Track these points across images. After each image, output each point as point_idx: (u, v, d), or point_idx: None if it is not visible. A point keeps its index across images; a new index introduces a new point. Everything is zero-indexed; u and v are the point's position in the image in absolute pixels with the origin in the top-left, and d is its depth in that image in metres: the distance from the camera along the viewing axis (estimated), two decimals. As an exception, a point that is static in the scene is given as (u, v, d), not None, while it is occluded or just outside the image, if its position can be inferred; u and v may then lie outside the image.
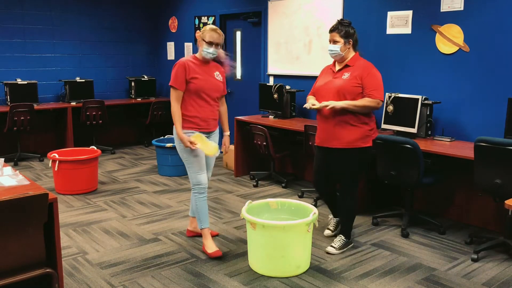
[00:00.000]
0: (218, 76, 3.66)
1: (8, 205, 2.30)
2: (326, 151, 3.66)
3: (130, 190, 5.43)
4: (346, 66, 3.57)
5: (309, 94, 3.83)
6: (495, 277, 3.34)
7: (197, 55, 3.62)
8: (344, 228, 3.79)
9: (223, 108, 3.81)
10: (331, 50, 3.56)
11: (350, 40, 3.56)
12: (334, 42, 3.54)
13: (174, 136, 3.65)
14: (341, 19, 3.63)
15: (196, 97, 3.55)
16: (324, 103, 3.46)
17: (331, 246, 3.73)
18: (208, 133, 3.65)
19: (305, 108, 3.61)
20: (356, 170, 3.65)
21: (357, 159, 3.60)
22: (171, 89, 3.55)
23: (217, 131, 3.76)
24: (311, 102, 3.57)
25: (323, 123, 3.61)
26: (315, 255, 3.67)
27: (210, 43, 3.52)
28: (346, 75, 3.53)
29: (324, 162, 3.73)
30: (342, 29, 3.53)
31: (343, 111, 3.47)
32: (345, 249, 3.75)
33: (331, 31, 3.57)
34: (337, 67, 3.63)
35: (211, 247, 3.64)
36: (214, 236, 3.98)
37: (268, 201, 3.72)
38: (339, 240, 3.76)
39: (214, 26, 3.59)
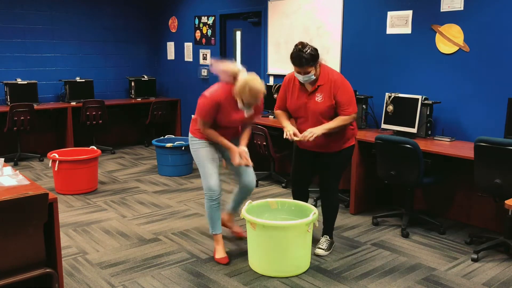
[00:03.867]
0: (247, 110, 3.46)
1: (8, 205, 2.30)
2: (313, 154, 3.65)
3: (130, 190, 5.43)
4: (319, 86, 3.41)
5: (277, 108, 3.67)
6: (495, 277, 3.34)
7: (232, 90, 3.39)
8: (329, 227, 3.80)
9: (246, 129, 3.65)
10: (306, 80, 3.37)
11: (318, 61, 3.37)
12: (306, 73, 3.34)
13: (189, 138, 3.63)
14: (300, 48, 3.32)
15: (215, 124, 3.48)
16: (307, 136, 3.35)
17: (319, 248, 3.72)
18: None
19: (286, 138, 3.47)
20: (342, 168, 3.68)
21: (344, 158, 3.64)
22: (200, 120, 3.44)
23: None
24: (292, 131, 3.42)
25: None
26: (315, 255, 3.67)
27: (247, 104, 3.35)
28: (319, 97, 3.41)
29: (309, 164, 3.72)
30: (309, 58, 3.30)
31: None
32: (331, 249, 3.76)
33: (300, 65, 3.31)
34: (309, 87, 3.46)
35: (219, 252, 3.59)
36: (242, 237, 3.95)
37: (268, 201, 3.72)
38: (325, 241, 3.77)
39: (257, 88, 3.26)
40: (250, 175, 3.67)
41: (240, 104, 3.36)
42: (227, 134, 3.55)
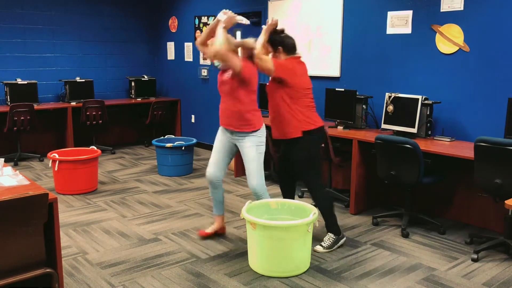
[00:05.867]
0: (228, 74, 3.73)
1: (8, 205, 2.30)
2: (285, 148, 3.90)
3: (130, 190, 5.43)
4: None
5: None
6: (495, 277, 3.34)
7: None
8: (328, 224, 3.79)
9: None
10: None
11: (279, 47, 3.79)
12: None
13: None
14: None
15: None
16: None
17: (320, 244, 3.75)
18: (230, 132, 3.75)
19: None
20: (309, 160, 3.68)
21: (305, 146, 3.66)
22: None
23: (246, 138, 3.67)
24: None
25: (272, 119, 3.85)
26: (315, 255, 3.67)
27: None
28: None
29: (286, 159, 3.90)
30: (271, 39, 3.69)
31: (277, 107, 3.72)
32: (335, 246, 3.76)
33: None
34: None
35: (207, 227, 4.06)
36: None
37: (268, 201, 3.72)
38: (328, 238, 3.78)
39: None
40: (252, 179, 3.68)
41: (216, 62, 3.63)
42: (224, 110, 3.72)
